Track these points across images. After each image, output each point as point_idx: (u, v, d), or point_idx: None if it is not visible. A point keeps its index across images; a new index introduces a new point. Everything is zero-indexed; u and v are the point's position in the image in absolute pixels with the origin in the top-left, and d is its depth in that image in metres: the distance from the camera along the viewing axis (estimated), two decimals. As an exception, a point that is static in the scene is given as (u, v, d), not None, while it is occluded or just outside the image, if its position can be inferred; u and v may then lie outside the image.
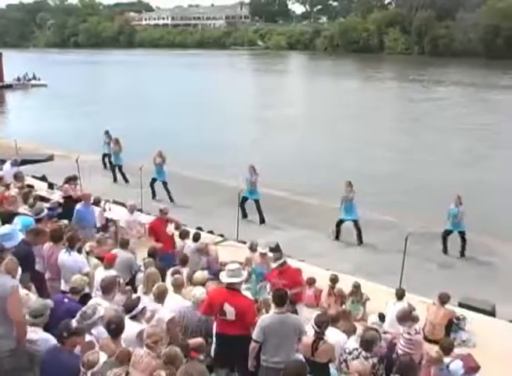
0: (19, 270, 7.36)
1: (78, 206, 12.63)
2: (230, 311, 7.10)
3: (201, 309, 7.57)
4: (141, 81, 69.54)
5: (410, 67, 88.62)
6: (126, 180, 21.35)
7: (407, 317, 8.57)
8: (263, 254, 11.11)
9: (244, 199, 17.40)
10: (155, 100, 50.42)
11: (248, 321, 7.18)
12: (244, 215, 17.31)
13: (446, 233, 15.28)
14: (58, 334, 5.94)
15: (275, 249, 13.90)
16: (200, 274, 8.93)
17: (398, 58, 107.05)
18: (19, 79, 65.21)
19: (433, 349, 8.22)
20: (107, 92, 59.78)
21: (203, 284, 8.51)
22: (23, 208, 11.25)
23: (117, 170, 21.80)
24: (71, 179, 14.77)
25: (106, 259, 9.16)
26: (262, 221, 17.33)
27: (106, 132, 23.04)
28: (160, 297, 7.37)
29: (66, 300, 7.07)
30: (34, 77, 66.39)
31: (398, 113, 46.08)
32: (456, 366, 7.59)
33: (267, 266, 10.89)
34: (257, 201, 17.40)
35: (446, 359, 7.50)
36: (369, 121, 40.58)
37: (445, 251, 15.31)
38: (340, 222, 16.08)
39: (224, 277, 7.31)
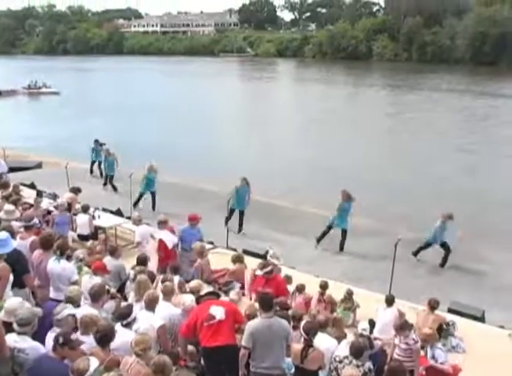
0: (11, 277, 7.37)
1: (184, 226, 12.34)
2: (219, 310, 7.10)
3: (182, 331, 7.35)
4: (133, 89, 69.31)
5: (393, 74, 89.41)
6: (115, 189, 21.37)
7: (405, 327, 8.53)
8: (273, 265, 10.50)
9: (232, 211, 17.31)
10: (146, 107, 50.23)
11: (239, 318, 7.27)
12: (226, 223, 17.18)
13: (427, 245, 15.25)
14: (54, 338, 5.92)
15: (265, 256, 13.94)
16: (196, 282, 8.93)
17: (385, 65, 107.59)
18: (29, 86, 63.83)
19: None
20: (102, 99, 59.08)
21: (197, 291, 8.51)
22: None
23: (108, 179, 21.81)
24: (77, 190, 14.83)
25: (94, 267, 9.15)
26: (240, 230, 17.30)
27: (96, 141, 23.10)
28: (151, 304, 7.34)
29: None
30: (45, 85, 64.57)
31: (380, 121, 46.13)
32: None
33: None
34: (242, 212, 17.37)
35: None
36: (351, 127, 40.84)
37: (415, 254, 15.27)
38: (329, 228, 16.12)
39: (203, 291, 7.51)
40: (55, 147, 30.87)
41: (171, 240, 11.81)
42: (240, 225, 17.35)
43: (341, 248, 15.97)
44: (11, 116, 46.88)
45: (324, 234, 16.15)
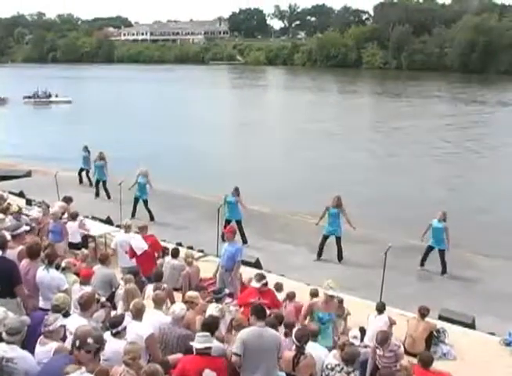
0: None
1: (225, 245, 11.88)
2: None
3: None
4: (123, 97, 69.34)
5: (381, 82, 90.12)
6: (108, 196, 21.06)
7: (387, 339, 8.40)
8: (330, 298, 9.32)
9: (227, 222, 16.35)
10: (136, 115, 50.28)
11: None
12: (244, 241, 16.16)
13: (429, 250, 15.16)
14: (72, 343, 5.89)
15: (256, 264, 13.93)
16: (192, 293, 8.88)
17: (374, 73, 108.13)
18: (35, 95, 62.12)
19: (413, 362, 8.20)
20: (93, 106, 58.82)
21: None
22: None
23: (100, 185, 21.47)
24: (69, 200, 14.76)
25: (82, 275, 9.08)
26: (245, 242, 16.13)
27: (85, 147, 22.90)
28: (138, 314, 7.25)
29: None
30: (51, 94, 62.89)
31: (366, 130, 46.29)
32: None
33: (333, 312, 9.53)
34: (238, 222, 16.53)
35: None
36: (339, 136, 41.00)
37: (421, 263, 15.25)
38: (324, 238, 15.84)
39: (196, 344, 6.62)
40: (49, 155, 30.84)
41: (139, 246, 11.69)
42: (242, 235, 16.36)
43: (339, 258, 15.67)
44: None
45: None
